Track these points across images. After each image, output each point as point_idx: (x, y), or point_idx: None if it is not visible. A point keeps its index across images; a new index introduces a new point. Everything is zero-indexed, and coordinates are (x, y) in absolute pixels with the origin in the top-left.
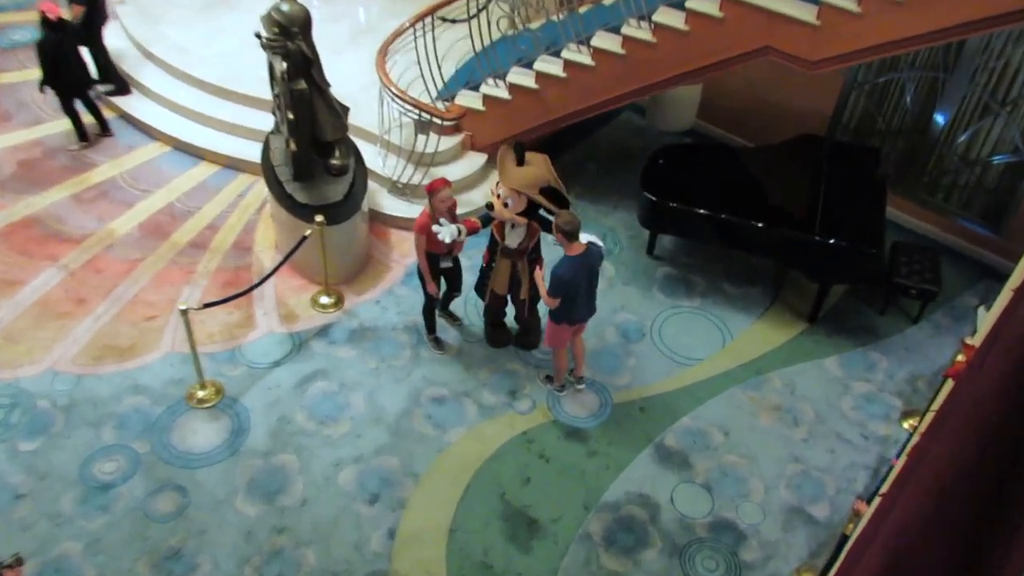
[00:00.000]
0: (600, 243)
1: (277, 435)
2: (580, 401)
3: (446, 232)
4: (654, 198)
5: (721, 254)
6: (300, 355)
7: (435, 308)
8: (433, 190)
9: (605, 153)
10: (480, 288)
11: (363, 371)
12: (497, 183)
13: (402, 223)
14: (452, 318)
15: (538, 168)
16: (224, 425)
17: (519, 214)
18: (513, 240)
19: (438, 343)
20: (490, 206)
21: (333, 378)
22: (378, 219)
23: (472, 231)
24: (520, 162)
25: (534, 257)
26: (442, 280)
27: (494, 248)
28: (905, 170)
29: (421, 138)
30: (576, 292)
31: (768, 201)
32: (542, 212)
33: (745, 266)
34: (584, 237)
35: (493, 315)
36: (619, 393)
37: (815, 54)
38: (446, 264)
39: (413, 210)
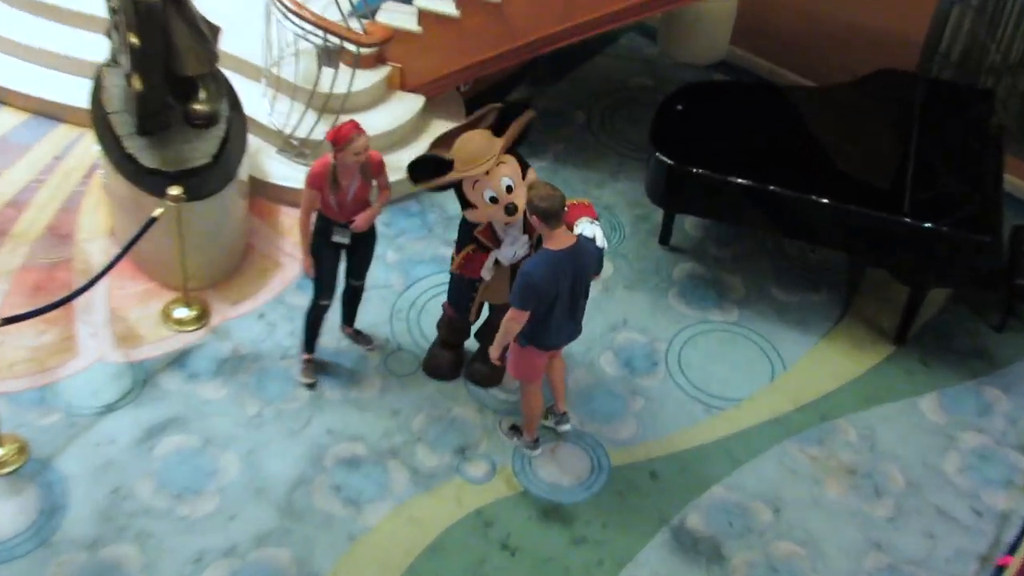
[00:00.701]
0: (599, 239)
1: (109, 516)
2: (561, 462)
3: (508, 252)
4: (671, 161)
5: (768, 244)
6: (145, 396)
7: (321, 311)
8: (341, 139)
9: (598, 96)
10: (461, 303)
11: (238, 420)
12: (477, 176)
13: (297, 196)
14: (359, 337)
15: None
16: (29, 501)
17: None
18: (511, 251)
19: (309, 369)
20: (511, 210)
21: (194, 430)
22: (263, 192)
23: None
24: (498, 129)
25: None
26: (338, 264)
27: (472, 257)
28: None
29: (327, 73)
30: (552, 304)
31: (835, 166)
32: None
33: (803, 262)
34: (581, 226)
35: (453, 332)
36: (619, 451)
37: None
38: (340, 237)
39: None
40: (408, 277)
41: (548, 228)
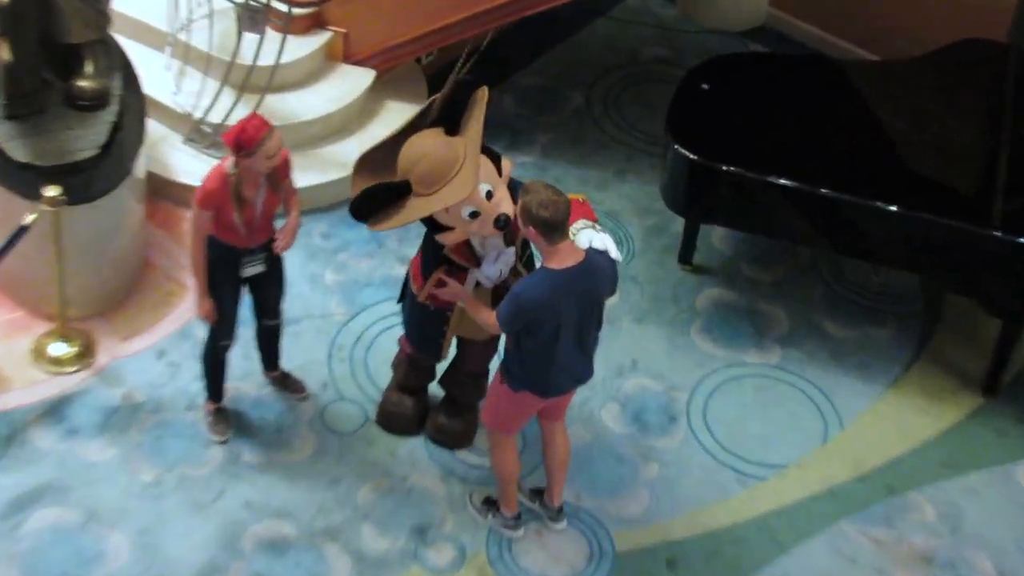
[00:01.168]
0: (612, 249)
1: None
2: (551, 548)
3: (492, 270)
4: (693, 156)
5: (819, 264)
6: (10, 457)
7: (221, 352)
8: (248, 142)
9: (600, 71)
10: (427, 340)
11: (130, 488)
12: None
13: None
14: (288, 383)
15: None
16: None
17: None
18: (495, 269)
19: (219, 422)
20: (505, 222)
21: (73, 501)
22: (165, 193)
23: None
24: (451, 124)
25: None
26: (241, 299)
27: (444, 282)
28: None
29: (249, 40)
30: (554, 335)
31: (904, 163)
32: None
33: (864, 288)
34: (585, 236)
35: (414, 373)
36: (627, 532)
37: None
38: (253, 268)
39: None
40: (352, 304)
41: (549, 242)
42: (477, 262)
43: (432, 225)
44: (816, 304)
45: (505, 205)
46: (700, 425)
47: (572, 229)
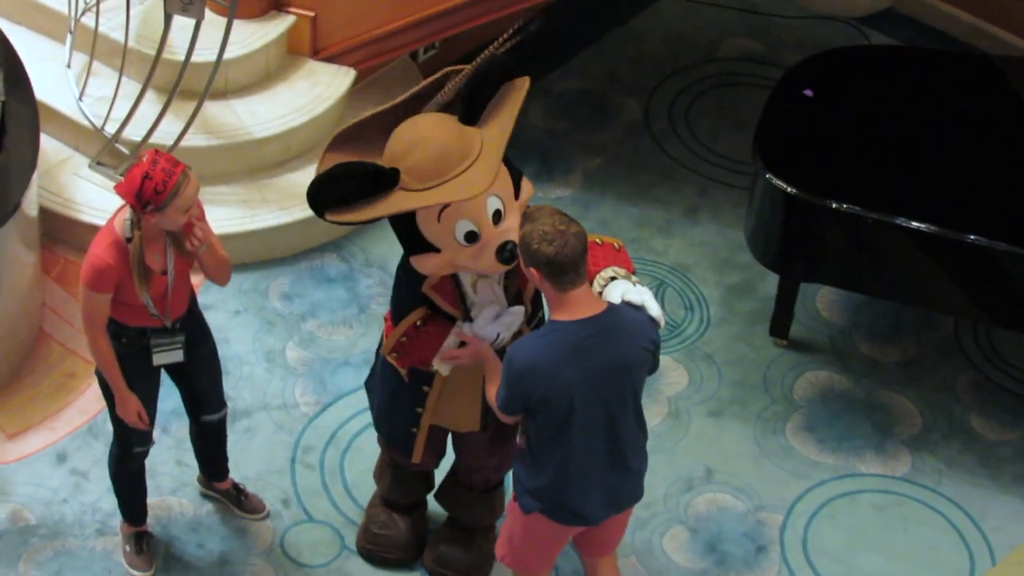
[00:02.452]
0: (652, 307)
1: None
2: None
3: (489, 329)
4: (793, 190)
5: (964, 340)
6: None
7: (136, 460)
8: (156, 194)
9: (664, 73)
10: (397, 425)
11: None
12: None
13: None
14: (240, 498)
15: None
16: None
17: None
18: (491, 330)
19: (139, 553)
20: (511, 254)
21: None
22: (67, 236)
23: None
24: (472, 109)
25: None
26: (158, 389)
27: (418, 334)
28: None
29: (180, 25)
30: (563, 421)
31: None
32: None
33: None
34: (617, 289)
35: (402, 484)
36: None
37: None
38: (167, 355)
39: None
40: (323, 391)
41: (557, 288)
42: (466, 312)
43: (411, 241)
44: (960, 394)
45: (515, 235)
46: (799, 560)
47: (599, 278)
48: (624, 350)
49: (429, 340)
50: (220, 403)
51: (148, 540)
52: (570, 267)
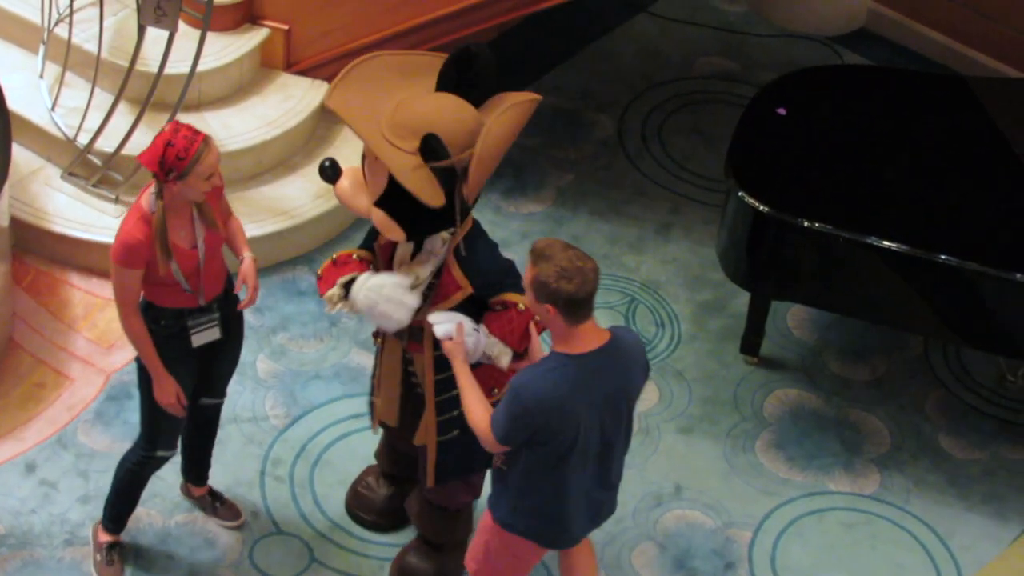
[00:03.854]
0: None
1: None
2: None
3: (470, 340)
4: (765, 208)
5: (933, 359)
6: None
7: (155, 466)
8: (179, 161)
9: (638, 89)
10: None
11: None
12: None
13: (103, 258)
14: (216, 505)
15: (449, 99)
16: None
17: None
18: (471, 338)
19: (111, 563)
20: (330, 169)
21: None
22: (38, 247)
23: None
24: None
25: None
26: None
27: (344, 267)
28: None
29: (153, 37)
30: (566, 451)
31: None
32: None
33: (997, 393)
34: (470, 340)
35: (389, 453)
36: None
37: None
38: (205, 334)
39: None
40: (293, 403)
41: (569, 324)
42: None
43: (439, 217)
44: (929, 413)
45: (354, 199)
46: None
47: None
48: (626, 378)
49: (344, 270)
50: (224, 390)
51: (120, 550)
52: (585, 302)
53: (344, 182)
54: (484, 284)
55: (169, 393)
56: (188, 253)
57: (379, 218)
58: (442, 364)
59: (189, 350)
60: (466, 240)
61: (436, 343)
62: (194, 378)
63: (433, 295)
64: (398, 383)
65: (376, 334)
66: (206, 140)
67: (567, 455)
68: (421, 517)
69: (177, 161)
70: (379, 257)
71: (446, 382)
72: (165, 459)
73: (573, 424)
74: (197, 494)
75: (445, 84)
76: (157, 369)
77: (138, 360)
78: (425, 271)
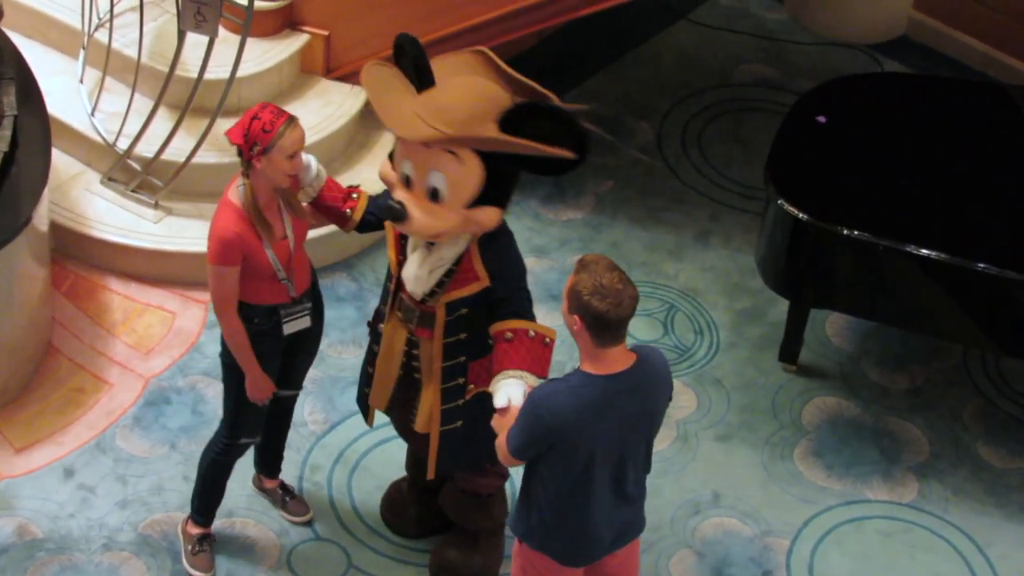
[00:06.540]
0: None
1: None
2: None
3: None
4: (805, 216)
5: (973, 368)
6: None
7: (239, 453)
8: (263, 134)
9: (677, 96)
10: (358, 390)
11: None
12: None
13: (142, 263)
14: (286, 498)
15: (473, 79)
16: None
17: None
18: (418, 277)
19: (202, 553)
20: (392, 211)
21: None
22: (78, 251)
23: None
24: (422, 80)
25: (467, 338)
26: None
27: (384, 294)
28: None
29: (193, 42)
30: (583, 468)
31: None
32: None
33: None
34: (504, 391)
35: (410, 459)
36: None
37: None
38: (298, 321)
39: (169, 232)
40: (332, 408)
41: (596, 344)
42: (397, 270)
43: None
44: (968, 422)
45: (417, 216)
46: None
47: (503, 375)
48: (650, 402)
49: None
50: (301, 382)
51: (210, 542)
52: (616, 327)
53: (416, 212)
54: (502, 284)
55: (265, 391)
56: (280, 243)
57: (489, 214)
58: (451, 352)
59: (278, 346)
60: (490, 232)
61: (447, 330)
62: (277, 371)
63: (450, 282)
64: (397, 366)
65: (374, 321)
66: (291, 118)
67: (582, 474)
68: (456, 507)
69: (263, 134)
70: (390, 249)
71: (452, 369)
72: (248, 446)
73: (590, 445)
74: (269, 486)
75: (412, 79)
76: (254, 370)
77: (223, 351)
78: (451, 252)
